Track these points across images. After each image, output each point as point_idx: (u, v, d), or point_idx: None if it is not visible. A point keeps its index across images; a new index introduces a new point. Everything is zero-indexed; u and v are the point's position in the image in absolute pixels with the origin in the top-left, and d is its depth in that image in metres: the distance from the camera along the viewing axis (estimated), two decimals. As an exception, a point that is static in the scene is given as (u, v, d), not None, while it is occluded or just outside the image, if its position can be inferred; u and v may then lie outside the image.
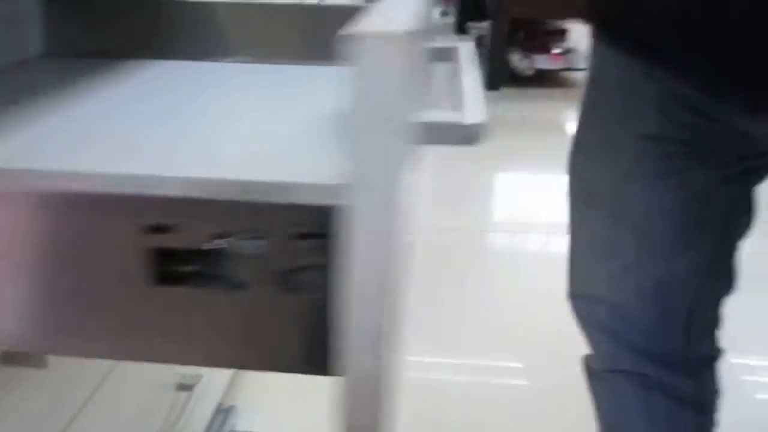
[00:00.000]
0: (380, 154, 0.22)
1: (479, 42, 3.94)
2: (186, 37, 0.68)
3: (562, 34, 3.10)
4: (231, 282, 0.26)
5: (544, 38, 2.99)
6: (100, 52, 0.65)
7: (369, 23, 0.22)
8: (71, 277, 0.27)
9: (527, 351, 1.24)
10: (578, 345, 1.22)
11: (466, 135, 0.33)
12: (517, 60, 2.84)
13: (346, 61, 0.21)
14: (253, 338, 0.27)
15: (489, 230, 1.71)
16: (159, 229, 0.25)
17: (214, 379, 0.91)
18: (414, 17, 0.26)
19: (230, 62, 0.66)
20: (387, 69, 0.21)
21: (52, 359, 0.49)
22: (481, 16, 3.92)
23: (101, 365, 0.60)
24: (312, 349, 0.27)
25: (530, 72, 2.82)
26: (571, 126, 2.67)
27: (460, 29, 4.19)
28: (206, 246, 0.25)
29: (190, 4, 0.69)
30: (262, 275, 0.26)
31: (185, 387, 0.78)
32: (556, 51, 2.85)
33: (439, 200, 1.86)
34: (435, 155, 2.17)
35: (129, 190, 0.25)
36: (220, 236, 0.25)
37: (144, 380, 0.70)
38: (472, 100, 0.37)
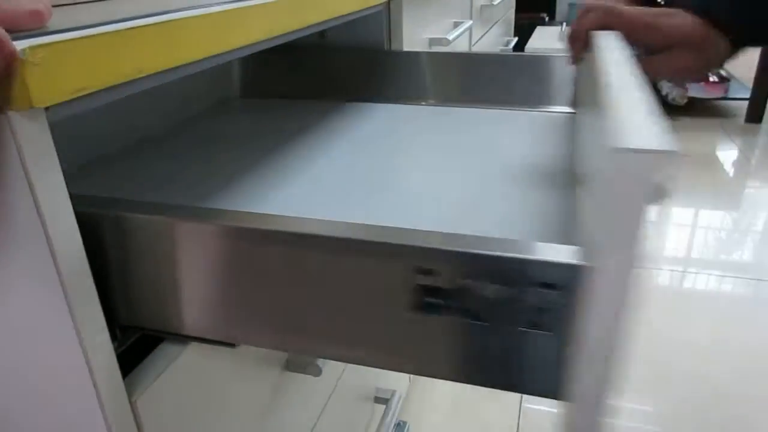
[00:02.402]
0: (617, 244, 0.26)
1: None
2: (377, 80, 0.79)
3: (717, 60, 2.92)
4: (473, 315, 0.31)
5: (699, 65, 2.83)
6: (286, 95, 0.78)
7: (633, 135, 0.24)
8: (346, 298, 0.33)
9: (661, 395, 1.19)
10: (720, 394, 1.15)
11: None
12: (669, 88, 2.71)
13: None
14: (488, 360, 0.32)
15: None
16: (422, 271, 0.31)
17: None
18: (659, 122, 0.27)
19: (424, 104, 0.75)
20: (645, 182, 0.24)
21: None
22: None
23: (331, 379, 0.68)
24: (543, 375, 0.32)
25: (683, 101, 2.68)
26: (728, 161, 2.52)
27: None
28: (456, 285, 0.31)
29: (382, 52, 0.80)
30: (499, 313, 0.30)
31: (381, 400, 0.85)
32: (713, 79, 2.69)
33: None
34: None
35: (398, 240, 0.31)
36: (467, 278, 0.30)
37: (354, 393, 0.78)
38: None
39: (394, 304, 0.32)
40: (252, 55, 0.80)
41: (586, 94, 0.49)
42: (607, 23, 0.51)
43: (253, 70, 0.82)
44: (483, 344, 0.32)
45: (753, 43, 0.52)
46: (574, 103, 0.72)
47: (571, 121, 0.68)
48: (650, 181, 0.24)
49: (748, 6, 0.50)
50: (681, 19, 0.51)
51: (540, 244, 0.30)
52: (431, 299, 0.32)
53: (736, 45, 0.51)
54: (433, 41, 0.99)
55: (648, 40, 0.52)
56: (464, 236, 0.31)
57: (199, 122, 0.69)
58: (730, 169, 2.26)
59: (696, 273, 1.61)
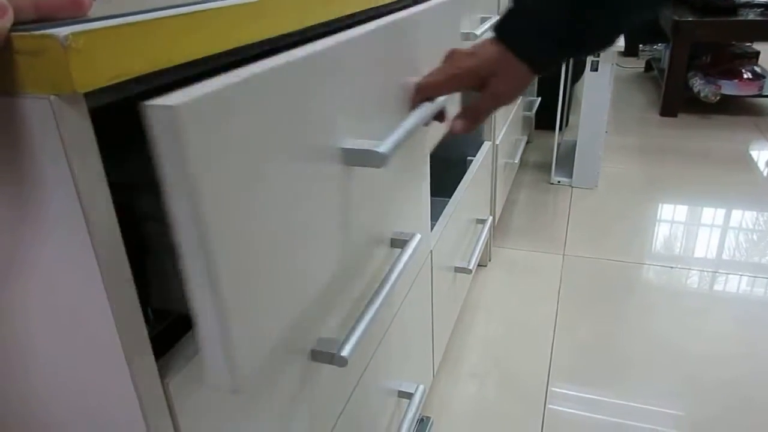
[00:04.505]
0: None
1: (650, 65, 3.74)
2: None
3: (751, 57, 2.85)
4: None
5: (732, 62, 2.76)
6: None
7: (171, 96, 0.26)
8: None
9: (690, 398, 1.16)
10: (749, 398, 1.12)
11: (375, 160, 0.42)
12: (700, 85, 2.65)
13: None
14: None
15: (653, 264, 1.63)
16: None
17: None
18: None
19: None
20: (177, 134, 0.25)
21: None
22: (654, 39, 3.72)
23: (356, 371, 0.68)
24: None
25: (715, 99, 2.62)
26: (762, 159, 2.44)
27: (631, 51, 4.02)
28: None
29: None
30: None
31: (405, 394, 0.85)
32: (747, 76, 2.63)
33: (602, 229, 1.81)
34: (603, 183, 2.10)
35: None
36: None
37: (378, 386, 0.78)
38: (396, 134, 0.46)
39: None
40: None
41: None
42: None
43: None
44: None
45: (546, 69, 0.54)
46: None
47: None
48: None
49: (536, 33, 0.51)
50: (487, 53, 0.53)
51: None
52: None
53: (536, 69, 0.53)
54: (460, 36, 0.99)
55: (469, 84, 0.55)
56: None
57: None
58: (764, 168, 2.20)
59: (727, 274, 1.58)
